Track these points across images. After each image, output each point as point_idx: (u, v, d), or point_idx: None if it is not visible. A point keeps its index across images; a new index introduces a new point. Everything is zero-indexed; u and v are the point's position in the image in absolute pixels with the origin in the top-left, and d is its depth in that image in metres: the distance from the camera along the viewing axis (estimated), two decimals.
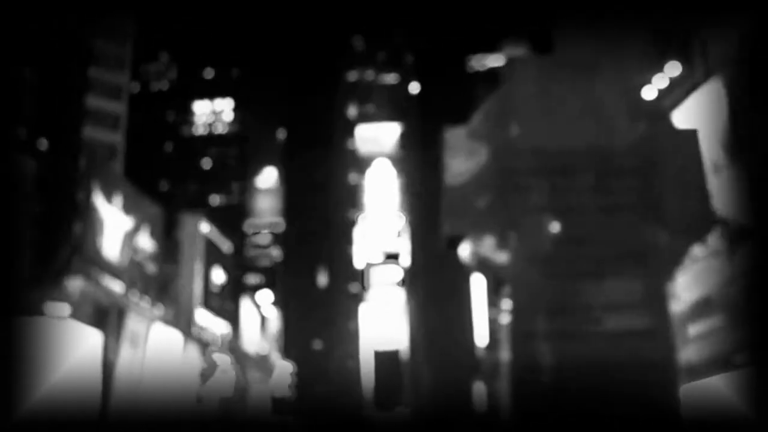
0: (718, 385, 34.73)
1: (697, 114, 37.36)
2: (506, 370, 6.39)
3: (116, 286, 47.81)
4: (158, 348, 48.71)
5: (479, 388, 73.09)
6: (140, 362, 46.49)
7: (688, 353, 37.47)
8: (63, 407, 37.20)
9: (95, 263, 46.66)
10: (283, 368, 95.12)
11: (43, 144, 50.40)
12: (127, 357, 44.86)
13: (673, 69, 41.86)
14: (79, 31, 66.76)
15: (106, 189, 48.78)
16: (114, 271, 48.56)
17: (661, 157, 6.91)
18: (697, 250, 37.72)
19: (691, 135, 7.19)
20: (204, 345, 60.39)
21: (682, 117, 37.56)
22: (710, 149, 36.58)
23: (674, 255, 6.88)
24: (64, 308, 41.31)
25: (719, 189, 36.82)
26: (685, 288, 39.13)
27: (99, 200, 47.80)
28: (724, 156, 37.15)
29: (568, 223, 6.66)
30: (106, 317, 43.95)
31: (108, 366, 42.65)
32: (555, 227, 6.65)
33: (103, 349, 42.14)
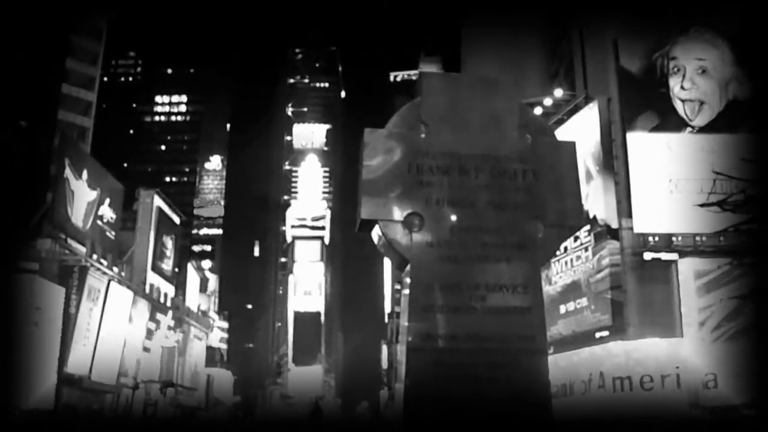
0: (581, 356, 35.20)
1: (575, 130, 37.82)
2: (405, 337, 6.41)
3: (80, 248, 47.22)
4: (113, 304, 48.23)
5: (384, 349, 73.40)
6: (98, 315, 46.01)
7: (557, 328, 37.94)
8: (28, 353, 36.76)
9: (62, 228, 46.10)
10: (219, 324, 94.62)
11: (23, 123, 49.43)
12: (86, 310, 44.35)
13: (559, 92, 42.35)
14: (59, 28, 65.84)
15: (75, 165, 48.26)
16: (78, 236, 48.04)
17: (543, 164, 7.00)
18: (569, 244, 38.24)
19: (569, 147, 7.28)
20: (152, 302, 59.88)
21: (564, 132, 38.04)
22: (584, 160, 37.08)
23: (549, 246, 6.96)
24: (34, 265, 40.80)
25: (590, 193, 37.41)
26: (558, 274, 39.63)
27: (69, 174, 47.25)
28: (595, 166, 37.67)
29: (463, 214, 6.71)
30: (70, 275, 43.44)
31: (69, 317, 42.16)
32: (452, 217, 6.69)
33: (65, 302, 41.64)
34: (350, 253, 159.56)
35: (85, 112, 68.36)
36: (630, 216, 35.54)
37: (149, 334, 57.87)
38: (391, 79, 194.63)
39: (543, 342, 6.65)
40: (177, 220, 73.53)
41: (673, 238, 35.10)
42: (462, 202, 6.75)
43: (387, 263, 68.41)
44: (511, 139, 7.06)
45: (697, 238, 34.74)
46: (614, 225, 35.85)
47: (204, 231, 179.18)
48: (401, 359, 6.48)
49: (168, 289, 67.47)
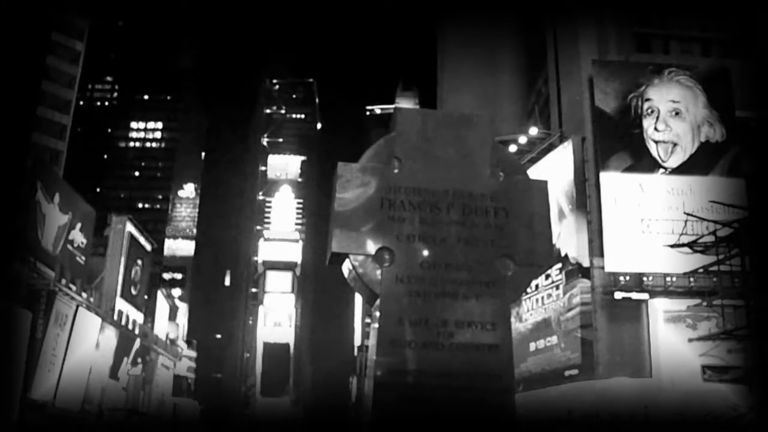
0: (550, 394, 35.22)
1: (549, 169, 38.08)
2: (373, 370, 6.40)
3: (48, 273, 46.84)
4: (81, 329, 47.84)
5: (352, 382, 73.12)
6: (65, 341, 45.62)
7: (527, 365, 37.96)
8: None
9: (32, 251, 45.72)
10: (187, 353, 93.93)
11: None
12: (53, 335, 43.96)
13: (534, 130, 42.66)
14: (35, 48, 65.67)
15: (47, 188, 47.98)
16: (48, 260, 47.66)
17: (515, 203, 7.03)
18: (540, 281, 38.28)
19: (541, 186, 7.32)
20: (120, 329, 59.40)
21: (537, 171, 38.27)
22: (558, 199, 37.29)
23: (519, 284, 6.97)
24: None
25: (562, 232, 37.57)
26: (529, 311, 39.70)
27: (40, 197, 46.96)
28: (568, 205, 37.88)
29: (434, 250, 6.72)
30: (37, 299, 43.06)
31: (35, 342, 41.75)
32: (423, 253, 6.70)
33: (31, 327, 41.24)
34: (321, 285, 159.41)
35: (60, 135, 68.20)
36: (601, 255, 35.74)
37: (116, 361, 57.35)
38: (368, 112, 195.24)
39: (511, 380, 6.65)
40: (148, 247, 73.14)
41: (644, 278, 35.35)
42: (433, 238, 6.76)
43: (358, 296, 68.17)
44: (483, 176, 7.09)
45: (668, 279, 35.01)
46: (586, 264, 36.03)
47: (174, 259, 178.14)
48: (368, 393, 6.47)
49: (137, 316, 66.99)
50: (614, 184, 36.53)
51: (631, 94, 38.05)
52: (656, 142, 37.34)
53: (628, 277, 35.45)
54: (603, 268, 35.45)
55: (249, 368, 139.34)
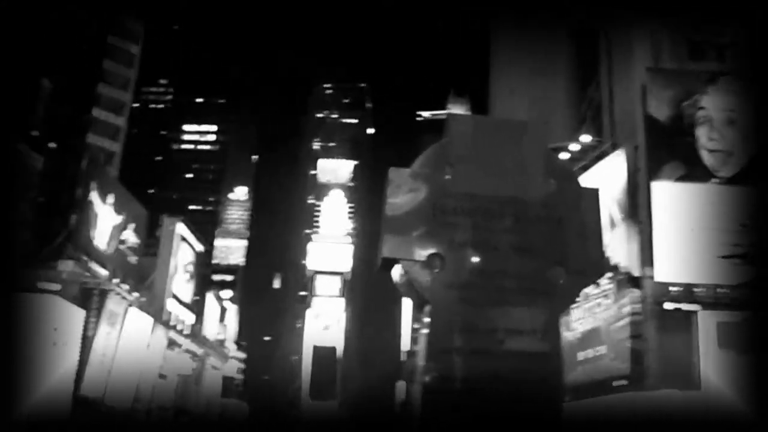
0: (598, 404, 34.91)
1: (601, 177, 37.74)
2: (421, 377, 6.39)
3: (101, 272, 47.36)
4: (131, 329, 48.30)
5: (400, 387, 73.00)
6: (115, 339, 46.06)
7: (575, 375, 37.67)
8: (45, 375, 36.88)
9: (85, 250, 46.27)
10: (236, 354, 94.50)
11: (52, 145, 49.85)
12: (104, 333, 44.42)
13: (587, 138, 42.32)
14: (92, 51, 66.64)
15: (101, 189, 48.55)
16: (100, 259, 48.20)
17: (567, 210, 6.98)
18: (590, 290, 38.02)
19: (593, 194, 7.26)
20: (171, 329, 59.86)
21: (589, 178, 37.94)
22: (609, 207, 36.95)
23: (570, 292, 6.92)
24: (55, 286, 40.95)
25: (613, 241, 37.21)
26: (578, 320, 39.42)
27: (94, 197, 47.51)
28: (620, 214, 37.53)
29: (485, 257, 6.69)
30: (90, 298, 43.56)
31: (87, 340, 42.22)
32: (474, 259, 6.67)
33: (84, 325, 41.73)
34: (371, 290, 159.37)
35: (114, 137, 69.04)
36: (652, 265, 35.34)
37: (166, 361, 57.83)
38: (419, 118, 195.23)
39: (560, 388, 6.61)
40: (200, 248, 73.66)
41: (695, 289, 34.88)
42: (485, 245, 6.72)
43: (406, 301, 68.14)
44: (536, 183, 7.04)
45: (719, 290, 34.52)
46: (636, 273, 35.66)
47: (225, 261, 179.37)
48: (416, 399, 6.46)
49: (187, 317, 67.49)
50: (666, 193, 36.10)
51: (684, 102, 37.61)
52: (710, 151, 36.85)
53: (678, 288, 35.03)
54: (653, 278, 35.06)
55: (297, 371, 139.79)
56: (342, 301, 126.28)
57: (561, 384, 6.64)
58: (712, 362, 33.20)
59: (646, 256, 35.71)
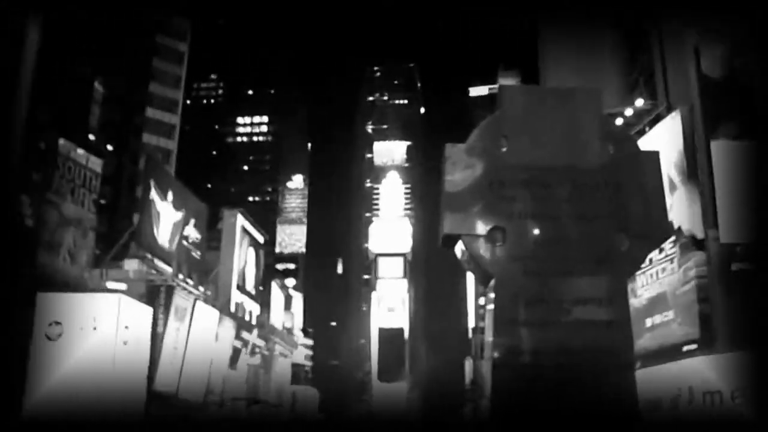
0: (669, 370, 34.54)
1: (657, 140, 37.25)
2: (490, 352, 6.35)
3: (166, 269, 47.89)
4: (199, 322, 48.78)
5: (468, 365, 72.94)
6: (185, 334, 46.56)
7: (644, 342, 37.33)
8: (118, 370, 37.37)
9: (149, 248, 46.78)
10: (303, 341, 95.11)
11: (109, 147, 50.53)
12: (173, 329, 44.92)
13: (640, 102, 41.75)
14: (141, 52, 67.29)
15: (160, 187, 48.97)
16: (165, 256, 48.70)
17: (626, 175, 6.89)
18: (654, 255, 37.60)
19: (652, 157, 7.15)
20: (238, 320, 60.37)
21: (646, 142, 37.45)
22: (668, 171, 36.45)
23: (635, 258, 6.83)
24: (122, 286, 41.52)
25: (674, 204, 36.75)
26: (643, 286, 39.03)
27: (154, 196, 47.97)
28: (679, 176, 37.05)
29: (546, 227, 6.63)
30: (157, 295, 44.05)
31: (157, 336, 42.72)
32: (535, 231, 6.62)
33: (153, 321, 42.20)
34: (433, 268, 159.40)
35: (169, 135, 69.65)
36: (716, 226, 34.83)
37: (235, 352, 58.35)
38: (470, 93, 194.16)
39: (630, 356, 6.54)
40: (261, 239, 74.05)
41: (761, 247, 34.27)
42: (545, 215, 6.67)
43: (470, 278, 67.80)
44: (592, 150, 6.96)
45: None
46: (700, 236, 35.18)
47: (287, 249, 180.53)
48: (486, 375, 6.43)
49: (253, 307, 67.96)
50: (725, 152, 35.53)
51: (737, 58, 36.93)
52: None
53: (744, 248, 34.47)
54: (718, 239, 34.53)
55: (365, 354, 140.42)
56: (405, 282, 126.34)
57: (631, 351, 6.56)
58: None
59: (709, 218, 35.21)
